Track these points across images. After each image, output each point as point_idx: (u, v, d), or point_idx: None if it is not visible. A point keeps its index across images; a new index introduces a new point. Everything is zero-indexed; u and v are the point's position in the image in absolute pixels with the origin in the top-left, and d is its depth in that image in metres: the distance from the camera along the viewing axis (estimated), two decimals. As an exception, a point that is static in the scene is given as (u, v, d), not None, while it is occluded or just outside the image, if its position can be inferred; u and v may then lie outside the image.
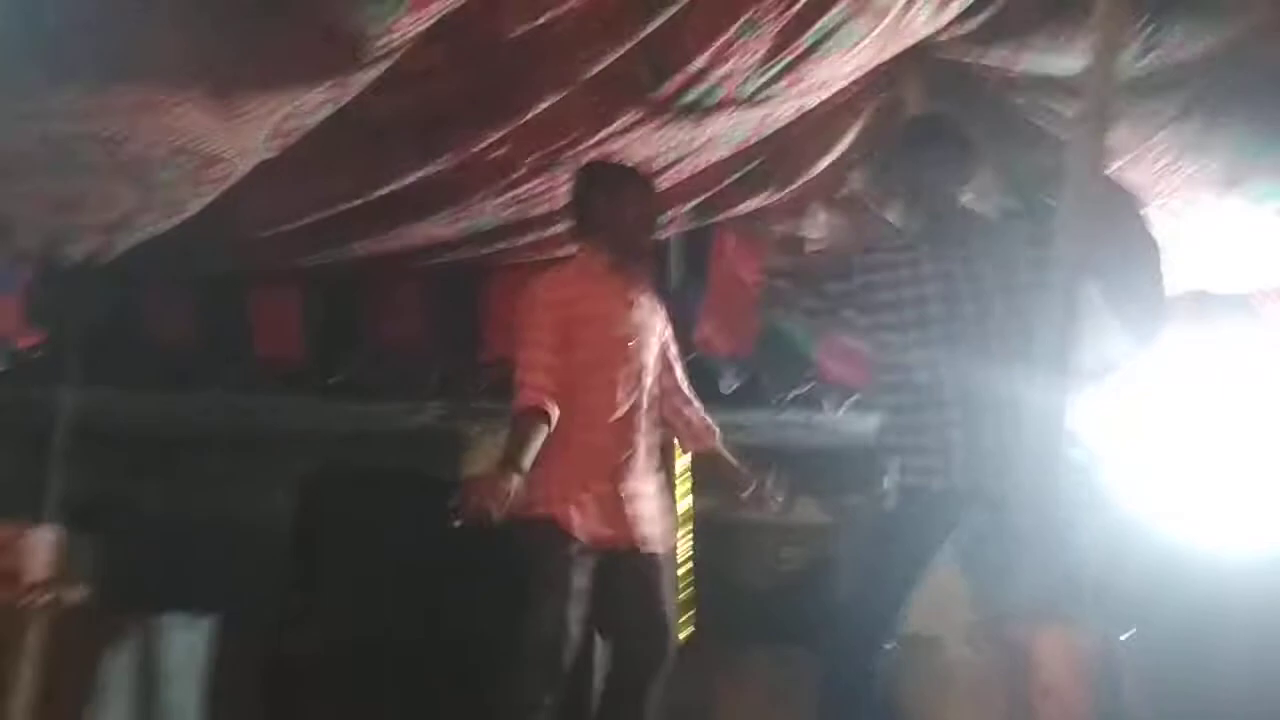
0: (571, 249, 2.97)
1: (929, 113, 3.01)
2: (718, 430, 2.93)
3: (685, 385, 2.93)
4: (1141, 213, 2.69)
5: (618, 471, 2.66)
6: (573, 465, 2.61)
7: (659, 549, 2.71)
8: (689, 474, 3.73)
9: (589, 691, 3.33)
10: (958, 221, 2.64)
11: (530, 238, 3.54)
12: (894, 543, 2.57)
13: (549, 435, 2.56)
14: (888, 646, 2.57)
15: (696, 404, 2.93)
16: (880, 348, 2.69)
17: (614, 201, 2.80)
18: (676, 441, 3.10)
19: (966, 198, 2.71)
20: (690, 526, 3.70)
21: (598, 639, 2.78)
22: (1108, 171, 2.61)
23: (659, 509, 2.75)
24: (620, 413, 2.68)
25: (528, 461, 2.50)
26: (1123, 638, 3.38)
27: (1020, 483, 2.17)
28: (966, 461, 2.49)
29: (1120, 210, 2.56)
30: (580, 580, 2.55)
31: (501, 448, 2.56)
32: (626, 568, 2.63)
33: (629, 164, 2.95)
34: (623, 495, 2.65)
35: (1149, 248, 2.62)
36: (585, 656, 3.33)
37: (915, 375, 2.58)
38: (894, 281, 2.63)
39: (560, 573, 2.54)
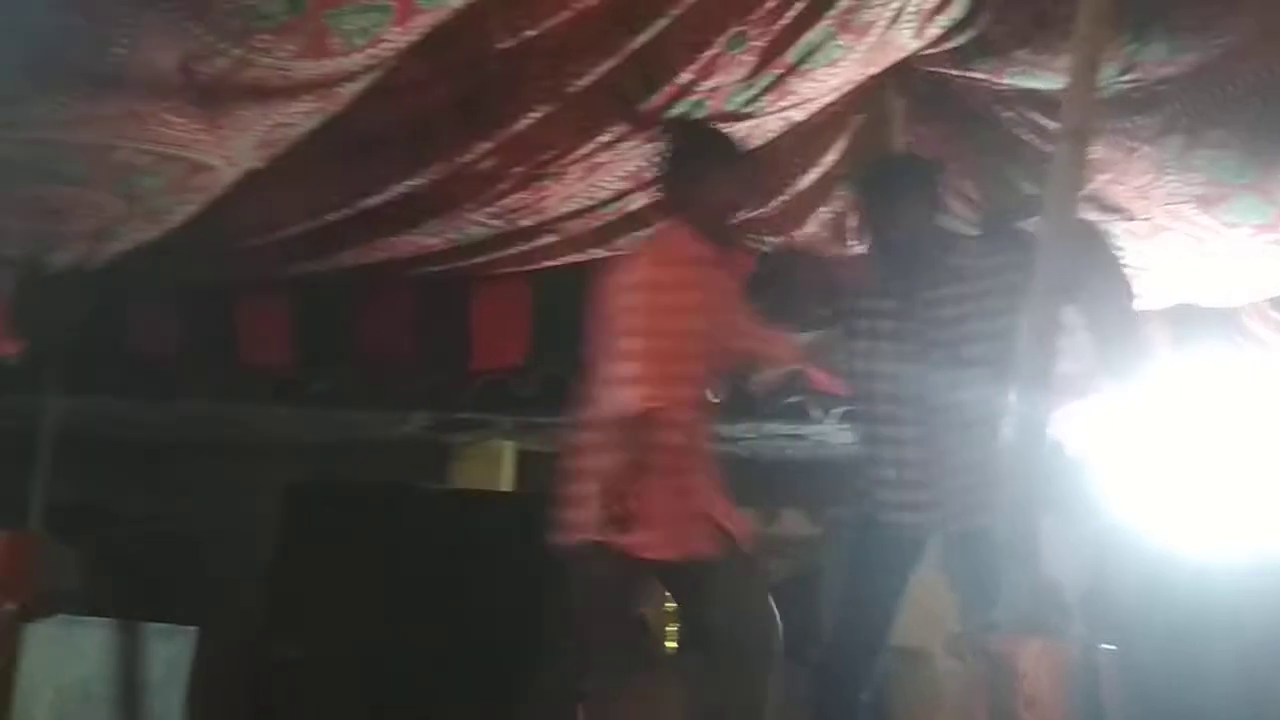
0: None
1: (886, 156, 3.05)
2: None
3: (760, 331, 2.72)
4: (1114, 249, 2.76)
5: (690, 473, 2.41)
6: (642, 473, 2.29)
7: (740, 547, 2.44)
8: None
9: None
10: (923, 254, 2.68)
11: (518, 249, 3.54)
12: (868, 577, 2.67)
13: (611, 441, 2.31)
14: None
15: (770, 334, 2.76)
16: (849, 374, 2.80)
17: (722, 178, 2.48)
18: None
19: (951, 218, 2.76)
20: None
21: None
22: (1088, 190, 2.65)
23: (729, 506, 2.48)
24: (697, 410, 2.45)
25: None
26: (1106, 648, 3.40)
27: (1003, 497, 2.19)
28: (913, 495, 2.60)
29: (1094, 243, 2.63)
30: (622, 612, 2.43)
31: (623, 454, 2.28)
32: (708, 576, 2.39)
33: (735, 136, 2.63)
34: (695, 498, 2.41)
35: (1122, 282, 2.71)
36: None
37: (875, 406, 2.69)
38: (861, 310, 2.73)
39: (600, 606, 2.38)
